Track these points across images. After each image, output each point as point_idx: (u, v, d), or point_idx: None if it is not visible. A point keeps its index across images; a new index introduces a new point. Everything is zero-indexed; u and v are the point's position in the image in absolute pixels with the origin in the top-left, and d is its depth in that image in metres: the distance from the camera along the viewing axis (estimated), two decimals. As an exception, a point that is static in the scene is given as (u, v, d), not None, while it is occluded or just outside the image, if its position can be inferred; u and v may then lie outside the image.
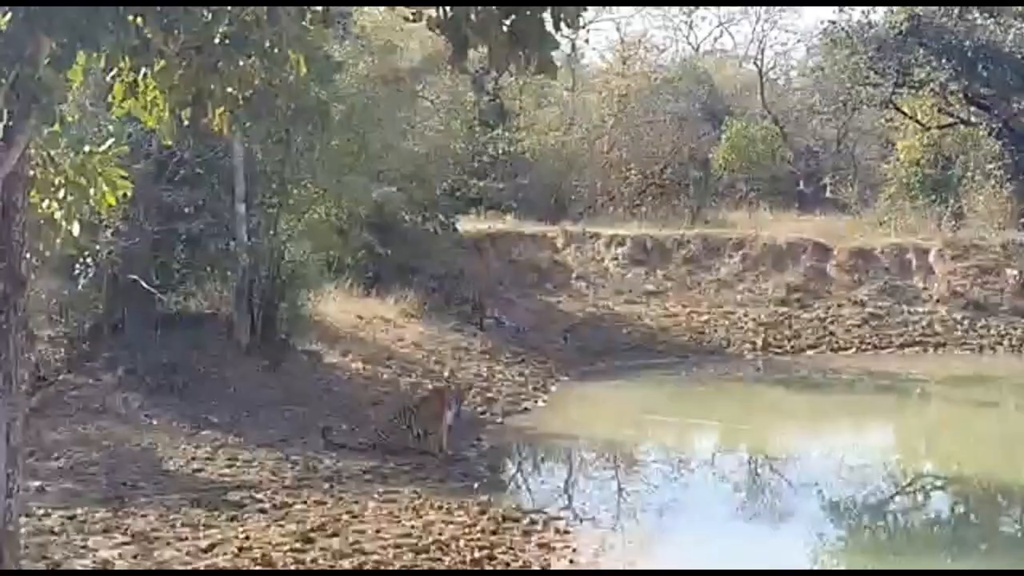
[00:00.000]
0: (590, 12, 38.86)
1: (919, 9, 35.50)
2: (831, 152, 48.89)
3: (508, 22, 7.39)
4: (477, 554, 12.31)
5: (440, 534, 12.91)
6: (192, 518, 12.99)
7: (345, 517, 13.42)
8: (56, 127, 8.66)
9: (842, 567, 14.57)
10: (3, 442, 9.01)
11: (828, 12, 41.90)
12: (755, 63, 51.55)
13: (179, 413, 17.14)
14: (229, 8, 8.01)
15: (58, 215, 9.48)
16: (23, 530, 10.38)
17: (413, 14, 7.88)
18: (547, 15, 7.38)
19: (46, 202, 9.45)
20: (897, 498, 17.82)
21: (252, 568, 11.48)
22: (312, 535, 12.59)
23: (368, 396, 20.02)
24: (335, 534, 12.74)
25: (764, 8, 51.29)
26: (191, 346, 19.15)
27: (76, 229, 9.49)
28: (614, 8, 46.61)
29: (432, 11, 7.61)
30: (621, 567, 13.27)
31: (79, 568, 11.14)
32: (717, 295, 30.47)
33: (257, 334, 20.00)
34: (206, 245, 19.86)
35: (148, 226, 18.51)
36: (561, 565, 12.60)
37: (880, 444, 21.92)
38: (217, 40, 8.06)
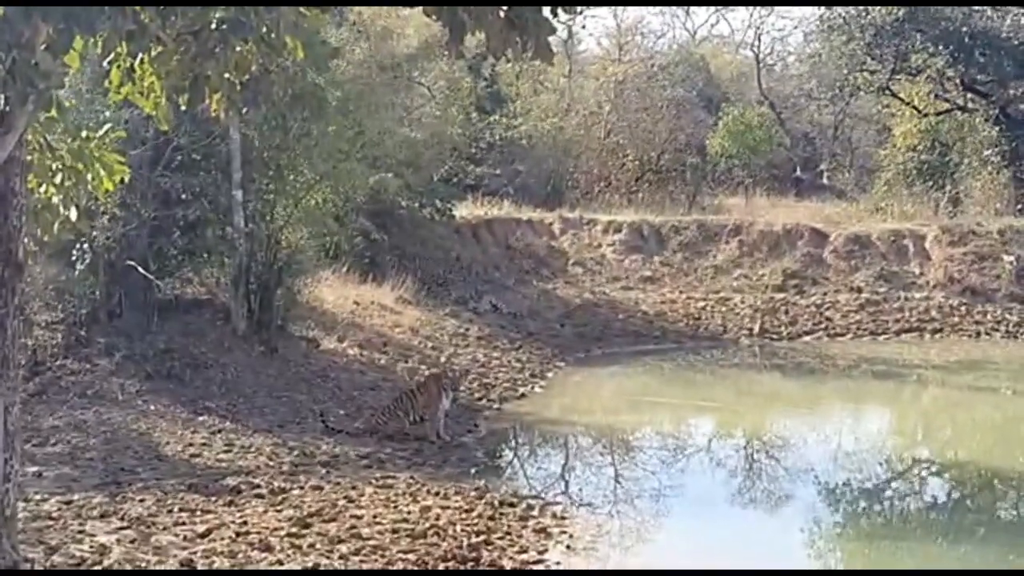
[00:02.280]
0: None
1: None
2: (828, 138, 48.98)
3: (505, 8, 7.41)
4: (474, 539, 12.33)
5: (437, 519, 12.93)
6: (189, 503, 13.01)
7: (342, 502, 13.44)
8: (53, 113, 8.68)
9: (839, 552, 14.59)
10: (1, 428, 9.04)
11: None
12: (752, 49, 51.69)
13: (176, 399, 17.16)
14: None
15: (56, 200, 9.50)
16: (21, 515, 10.43)
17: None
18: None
19: (44, 187, 9.48)
20: (894, 483, 17.85)
21: (249, 553, 11.50)
22: (309, 520, 12.61)
23: (365, 382, 20.05)
24: (332, 519, 12.76)
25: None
26: (188, 332, 19.17)
27: (74, 214, 9.51)
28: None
29: None
30: (618, 552, 13.30)
31: (76, 553, 11.15)
32: (714, 281, 30.52)
33: (254, 320, 20.00)
34: (203, 231, 19.86)
35: (145, 212, 18.51)
36: (558, 550, 12.62)
37: (877, 429, 21.95)
38: (214, 26, 8.07)
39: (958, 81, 37.23)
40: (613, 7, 46.37)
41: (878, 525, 15.46)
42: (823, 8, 38.93)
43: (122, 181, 9.75)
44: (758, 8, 52.81)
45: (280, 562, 11.36)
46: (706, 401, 22.75)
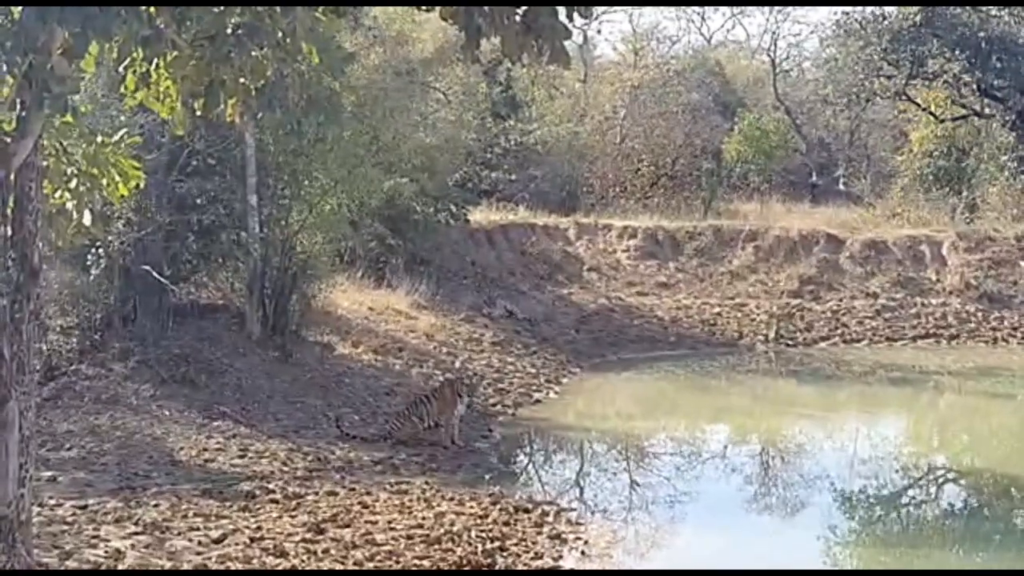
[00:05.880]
0: (602, 3, 38.83)
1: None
2: (844, 144, 48.83)
3: (521, 12, 7.39)
4: (488, 545, 12.31)
5: (451, 525, 12.91)
6: (204, 508, 13.00)
7: (356, 508, 13.43)
8: (69, 118, 8.68)
9: (854, 560, 14.54)
10: (16, 432, 9.04)
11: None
12: (768, 54, 51.42)
13: (191, 404, 17.16)
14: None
15: (71, 205, 9.50)
16: (36, 520, 10.43)
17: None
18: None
19: (59, 192, 9.48)
20: (910, 490, 17.79)
21: (264, 558, 11.49)
22: (324, 526, 12.60)
23: (379, 387, 20.03)
24: (347, 525, 12.76)
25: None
26: (203, 337, 19.17)
27: (88, 219, 9.51)
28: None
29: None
30: (633, 559, 13.27)
31: (90, 558, 11.15)
32: (729, 287, 30.43)
33: (268, 325, 20.00)
34: (218, 236, 19.87)
35: (160, 217, 18.51)
36: (573, 556, 12.60)
37: (893, 436, 21.87)
38: (230, 31, 8.06)
39: (975, 86, 37.07)
40: (629, 9, 46.43)
41: (894, 532, 15.41)
42: (839, 13, 38.84)
43: (137, 186, 9.75)
44: (774, 13, 52.68)
45: (295, 568, 11.35)
46: (721, 407, 22.69)
